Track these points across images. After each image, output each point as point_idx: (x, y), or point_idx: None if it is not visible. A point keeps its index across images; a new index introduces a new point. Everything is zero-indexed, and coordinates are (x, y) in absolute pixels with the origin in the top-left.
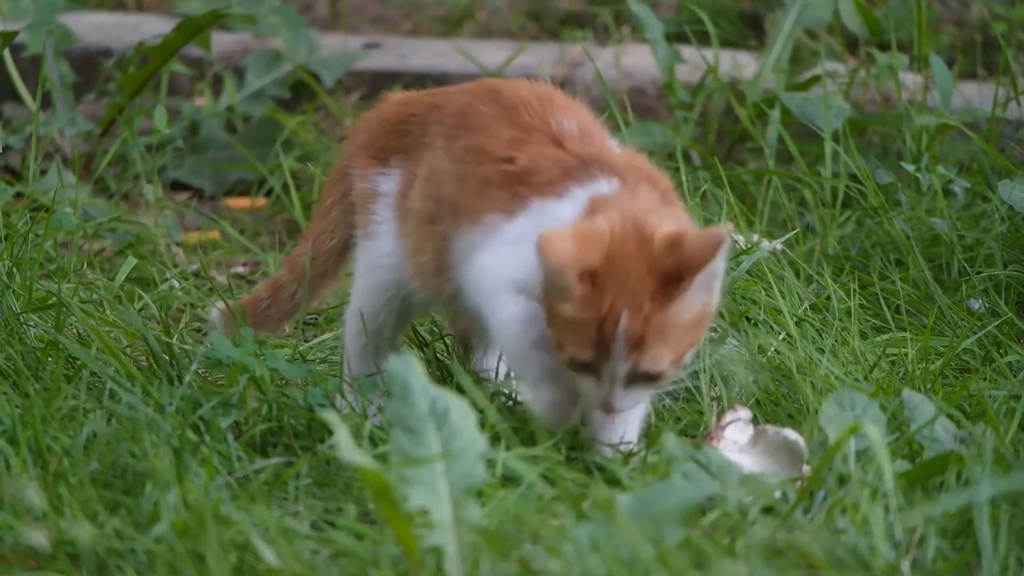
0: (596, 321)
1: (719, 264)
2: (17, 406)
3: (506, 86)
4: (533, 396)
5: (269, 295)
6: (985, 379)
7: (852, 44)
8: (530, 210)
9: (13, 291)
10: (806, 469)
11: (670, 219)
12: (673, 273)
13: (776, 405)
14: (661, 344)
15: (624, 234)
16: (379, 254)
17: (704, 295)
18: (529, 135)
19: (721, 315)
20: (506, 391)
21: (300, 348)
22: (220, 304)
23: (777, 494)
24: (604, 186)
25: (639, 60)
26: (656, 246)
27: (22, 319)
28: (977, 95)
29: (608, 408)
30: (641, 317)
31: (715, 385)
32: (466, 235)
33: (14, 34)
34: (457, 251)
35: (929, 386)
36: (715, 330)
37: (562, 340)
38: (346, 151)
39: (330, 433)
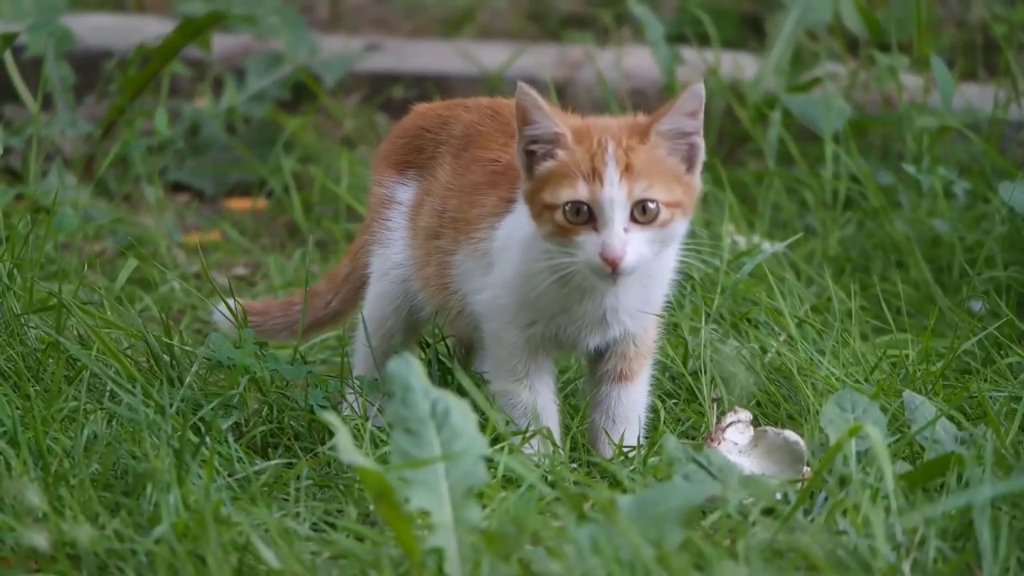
0: (587, 153)
1: (687, 119)
2: (18, 407)
3: (506, 104)
4: (496, 343)
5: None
6: (986, 380)
7: (853, 45)
8: (512, 211)
9: (14, 292)
10: (806, 470)
11: None
12: (646, 123)
13: (777, 406)
14: (650, 174)
15: (595, 119)
16: (390, 264)
17: (678, 148)
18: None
19: (722, 316)
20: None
21: (300, 349)
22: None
23: (778, 495)
24: None
25: (640, 61)
26: (628, 120)
27: (23, 320)
28: (978, 96)
29: (611, 253)
30: (625, 147)
31: (716, 387)
32: (464, 248)
33: (15, 35)
34: (457, 264)
35: (930, 387)
36: (716, 331)
37: (553, 198)
38: (374, 162)
39: (331, 434)
